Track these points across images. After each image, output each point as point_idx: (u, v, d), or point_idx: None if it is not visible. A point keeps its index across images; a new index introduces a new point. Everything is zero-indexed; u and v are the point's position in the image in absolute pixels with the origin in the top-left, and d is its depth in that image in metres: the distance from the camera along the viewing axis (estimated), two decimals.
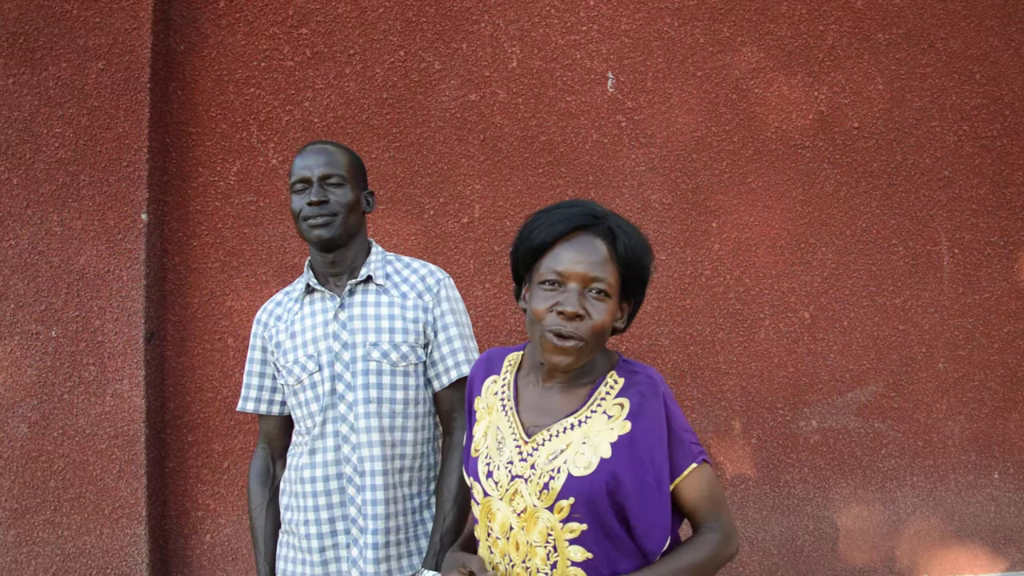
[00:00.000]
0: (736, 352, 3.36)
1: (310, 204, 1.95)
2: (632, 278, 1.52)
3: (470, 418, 1.70)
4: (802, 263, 3.41)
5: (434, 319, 2.02)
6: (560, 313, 1.45)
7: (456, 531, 1.95)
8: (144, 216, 3.03)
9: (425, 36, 3.29)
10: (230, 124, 3.21)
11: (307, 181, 1.98)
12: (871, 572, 3.38)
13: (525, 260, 1.55)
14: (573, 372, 1.55)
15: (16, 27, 3.02)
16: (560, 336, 1.45)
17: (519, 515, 1.48)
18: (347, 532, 1.95)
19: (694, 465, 1.52)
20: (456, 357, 2.02)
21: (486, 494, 1.54)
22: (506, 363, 1.68)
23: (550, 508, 1.45)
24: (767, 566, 3.34)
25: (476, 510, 1.58)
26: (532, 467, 1.49)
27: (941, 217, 3.47)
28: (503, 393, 1.62)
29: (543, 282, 1.49)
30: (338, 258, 2.02)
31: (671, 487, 1.50)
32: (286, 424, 2.13)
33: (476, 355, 2.06)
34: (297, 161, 2.01)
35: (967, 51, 3.51)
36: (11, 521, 2.95)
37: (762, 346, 3.37)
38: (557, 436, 1.50)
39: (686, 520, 1.59)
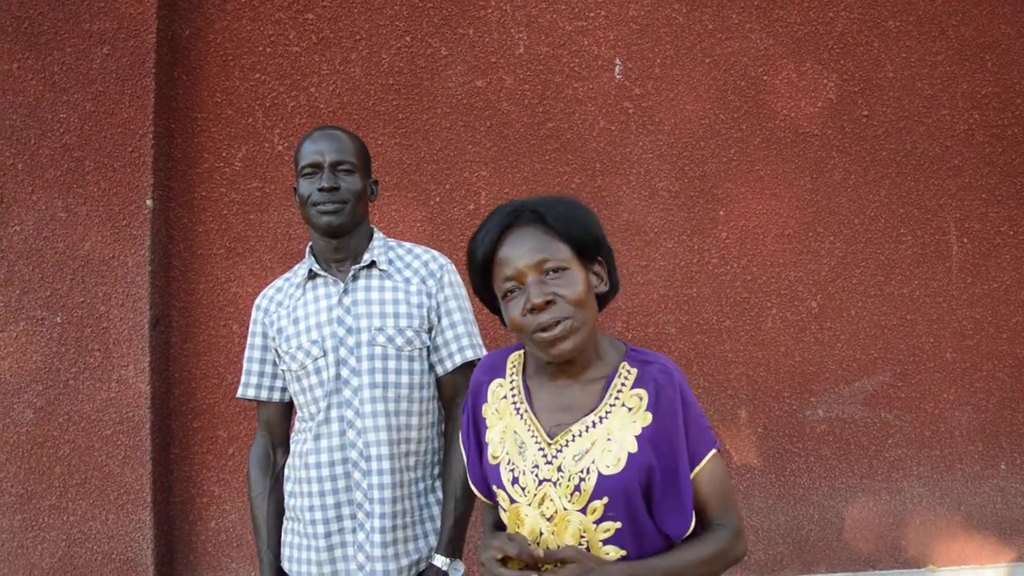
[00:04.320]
0: (743, 341, 3.35)
1: (321, 190, 1.94)
2: (580, 240, 1.48)
3: (476, 423, 1.65)
4: (810, 252, 3.39)
5: (438, 304, 2.01)
6: (532, 310, 1.42)
7: (467, 517, 1.97)
8: (149, 202, 3.02)
9: (431, 22, 3.27)
10: (235, 110, 3.20)
11: (318, 166, 1.96)
12: (877, 562, 3.37)
13: (483, 283, 1.53)
14: (581, 363, 1.52)
15: (21, 12, 3.01)
16: (545, 329, 1.42)
17: (549, 520, 1.46)
18: (353, 517, 1.94)
19: (713, 451, 1.50)
20: (460, 342, 2.01)
21: (512, 500, 1.51)
22: (509, 364, 1.64)
23: (583, 510, 1.43)
24: (772, 555, 3.34)
25: (503, 516, 1.55)
26: (559, 469, 1.45)
27: (950, 206, 3.45)
28: (514, 396, 1.58)
29: (505, 294, 1.47)
30: (342, 244, 2.01)
31: (691, 476, 1.48)
32: (286, 411, 2.12)
33: (479, 340, 2.06)
34: (307, 145, 1.99)
35: (978, 39, 3.47)
36: (17, 506, 2.95)
37: (769, 335, 3.36)
38: (580, 436, 1.47)
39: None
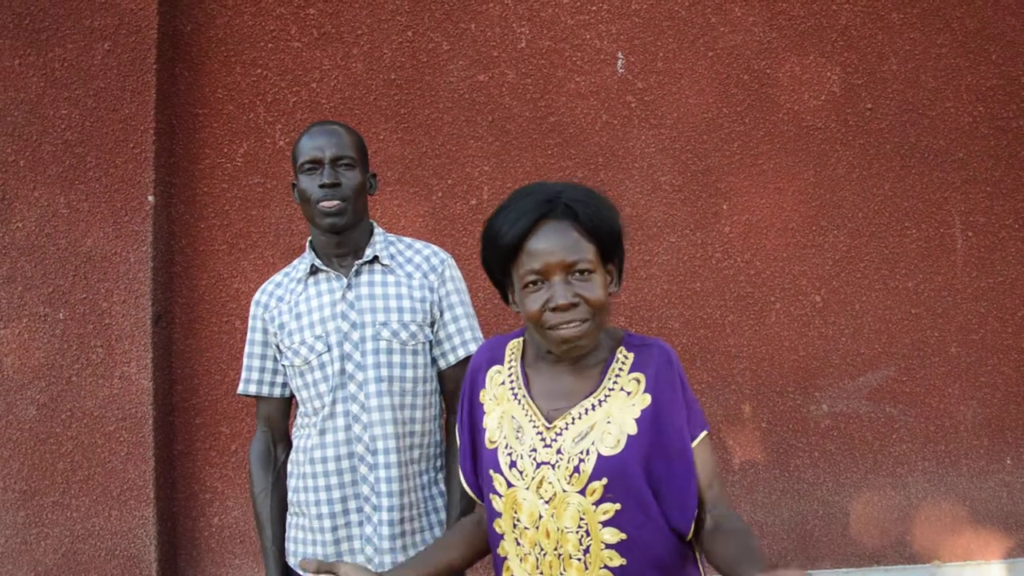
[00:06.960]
0: (746, 335, 3.34)
1: (323, 186, 1.93)
2: (607, 242, 1.48)
3: (472, 409, 1.65)
4: (813, 246, 3.37)
5: (439, 299, 2.02)
6: (554, 309, 1.43)
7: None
8: (151, 198, 3.02)
9: (433, 16, 3.26)
10: (237, 105, 3.19)
11: (318, 162, 1.96)
12: (881, 557, 3.36)
13: (499, 265, 1.52)
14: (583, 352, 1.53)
15: (22, 8, 3.01)
16: (565, 327, 1.43)
17: (548, 502, 1.46)
18: (360, 511, 1.95)
19: (704, 432, 1.50)
20: (463, 336, 2.02)
21: (510, 485, 1.50)
22: (508, 351, 1.64)
23: (582, 491, 1.43)
24: (777, 551, 3.33)
25: (498, 503, 1.54)
26: (558, 452, 1.46)
27: (955, 199, 3.43)
28: (512, 382, 1.58)
29: (527, 284, 1.46)
30: (344, 239, 2.01)
31: None
32: (287, 406, 2.13)
33: (480, 334, 2.06)
34: (305, 141, 1.98)
35: (983, 31, 3.45)
36: (20, 503, 2.95)
37: (773, 329, 3.35)
38: (580, 418, 1.48)
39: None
